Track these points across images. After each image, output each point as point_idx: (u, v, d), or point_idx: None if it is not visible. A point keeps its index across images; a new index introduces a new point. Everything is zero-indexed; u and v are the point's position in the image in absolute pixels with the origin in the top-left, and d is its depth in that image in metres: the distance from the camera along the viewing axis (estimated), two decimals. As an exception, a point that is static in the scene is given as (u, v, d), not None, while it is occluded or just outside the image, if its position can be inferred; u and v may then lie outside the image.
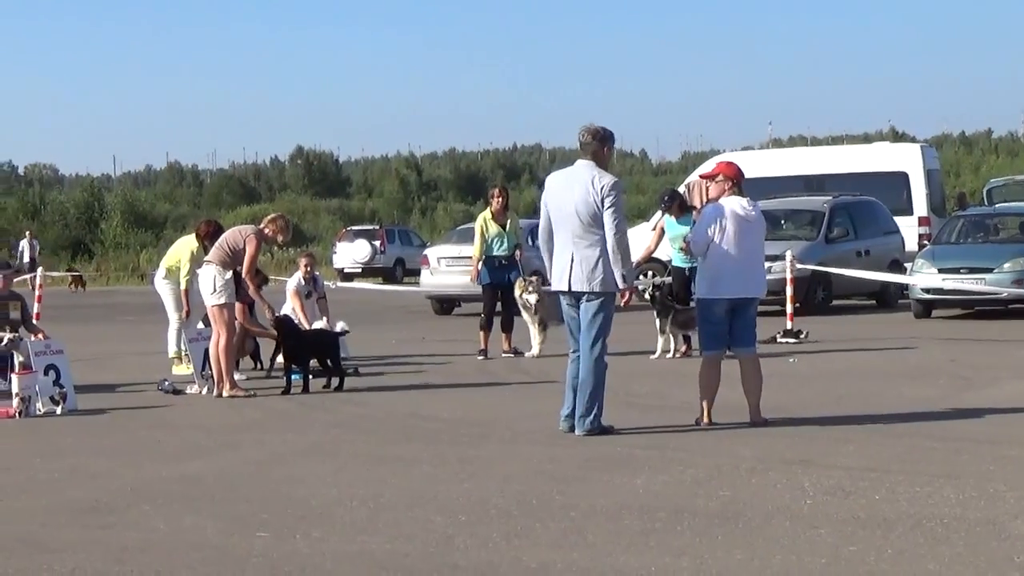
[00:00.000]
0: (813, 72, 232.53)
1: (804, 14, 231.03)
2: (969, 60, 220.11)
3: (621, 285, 11.92)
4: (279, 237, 16.18)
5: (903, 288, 27.60)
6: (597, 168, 12.03)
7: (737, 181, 12.56)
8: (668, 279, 20.95)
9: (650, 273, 26.82)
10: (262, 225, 16.09)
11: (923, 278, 25.08)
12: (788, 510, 8.55)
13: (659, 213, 22.33)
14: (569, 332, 12.27)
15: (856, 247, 28.88)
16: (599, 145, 12.10)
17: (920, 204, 33.65)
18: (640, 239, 27.99)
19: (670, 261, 20.58)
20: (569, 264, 11.97)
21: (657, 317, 19.01)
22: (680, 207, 20.04)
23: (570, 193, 11.98)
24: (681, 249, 19.70)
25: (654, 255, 21.55)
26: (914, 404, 13.46)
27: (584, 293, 11.96)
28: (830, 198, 30.18)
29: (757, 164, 36.99)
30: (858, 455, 10.60)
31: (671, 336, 18.97)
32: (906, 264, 28.53)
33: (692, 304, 19.60)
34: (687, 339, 19.02)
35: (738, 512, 8.52)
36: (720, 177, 12.61)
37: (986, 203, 34.10)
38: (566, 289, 12.04)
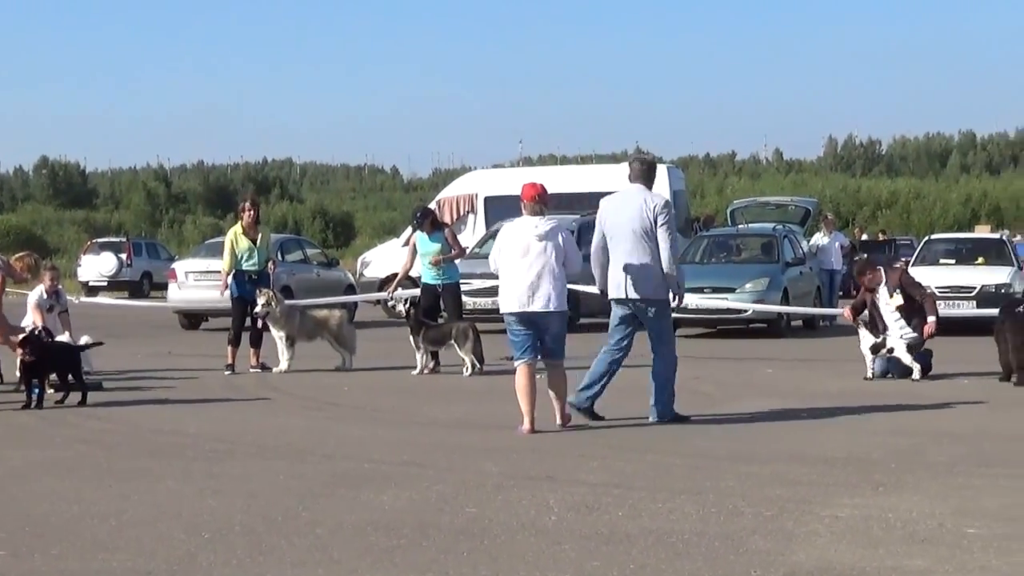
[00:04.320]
0: (563, 92, 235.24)
1: (551, 33, 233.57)
2: (714, 84, 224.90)
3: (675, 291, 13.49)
4: (26, 275, 15.85)
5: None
6: (648, 191, 13.62)
7: (536, 199, 13.42)
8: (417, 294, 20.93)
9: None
10: (12, 260, 15.73)
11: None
12: (533, 526, 8.62)
13: (409, 230, 22.36)
14: (612, 328, 13.72)
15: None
16: (649, 171, 13.86)
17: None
18: (391, 255, 27.96)
19: (419, 278, 20.58)
20: (625, 274, 13.35)
21: (411, 334, 19.02)
22: (432, 224, 20.12)
23: (625, 213, 13.35)
24: (432, 264, 19.79)
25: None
26: (658, 422, 13.69)
27: (645, 300, 13.39)
28: (579, 216, 30.50)
29: (508, 182, 37.19)
30: (602, 471, 10.73)
31: (427, 352, 18.99)
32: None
33: (441, 321, 19.84)
34: (435, 355, 19.06)
35: (484, 528, 8.56)
36: (523, 197, 13.48)
37: (729, 224, 34.83)
38: (624, 296, 13.40)
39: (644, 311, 13.54)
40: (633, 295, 13.41)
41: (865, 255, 31.45)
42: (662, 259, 13.33)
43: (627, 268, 13.37)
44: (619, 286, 13.45)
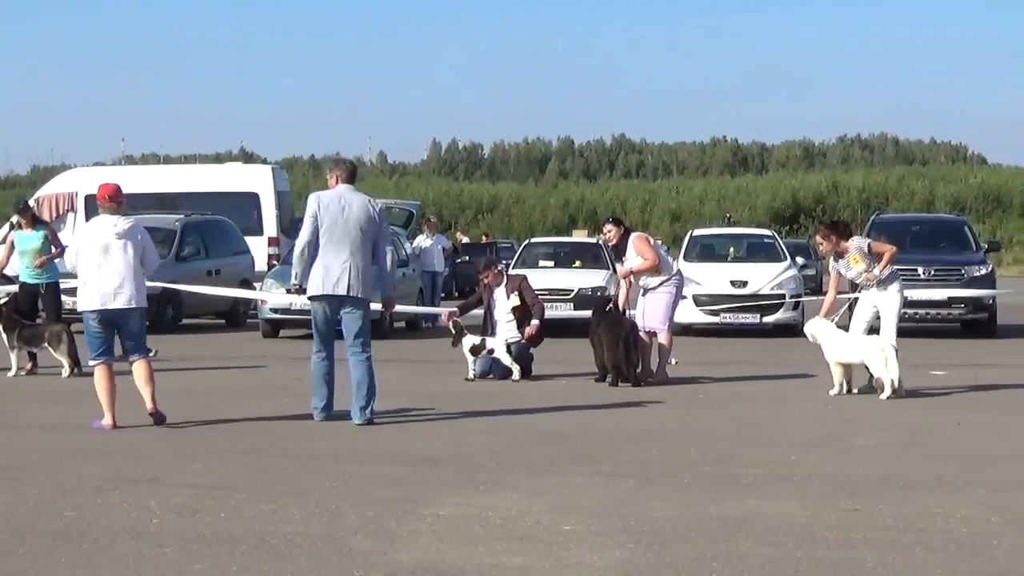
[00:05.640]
0: (167, 90, 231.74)
1: (154, 30, 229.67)
2: (321, 84, 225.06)
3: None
4: None
5: (251, 308, 27.99)
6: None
7: (111, 198, 13.54)
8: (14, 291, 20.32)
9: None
10: None
11: (271, 297, 25.49)
12: (134, 529, 8.51)
13: (7, 226, 21.74)
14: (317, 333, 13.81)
15: (207, 266, 29.00)
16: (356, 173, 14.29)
17: (271, 224, 34.30)
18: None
19: (17, 276, 20.02)
20: (344, 272, 13.59)
21: (4, 333, 18.46)
22: (34, 220, 19.64)
23: (352, 212, 13.67)
24: (37, 266, 19.28)
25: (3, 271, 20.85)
26: (263, 422, 13.66)
27: (357, 299, 13.72)
28: (182, 217, 30.16)
29: (111, 181, 36.50)
30: (206, 473, 10.66)
31: (22, 352, 18.46)
32: (255, 283, 28.83)
33: (39, 320, 19.32)
34: (32, 356, 18.58)
35: (83, 532, 8.40)
36: (97, 197, 13.63)
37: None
38: (334, 293, 13.62)
39: (353, 310, 13.78)
40: (353, 293, 13.66)
41: (488, 255, 32.07)
42: (384, 261, 14.06)
43: (350, 266, 13.59)
44: (333, 284, 13.61)
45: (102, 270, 13.26)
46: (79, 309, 13.43)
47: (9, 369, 18.28)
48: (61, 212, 35.04)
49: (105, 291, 13.25)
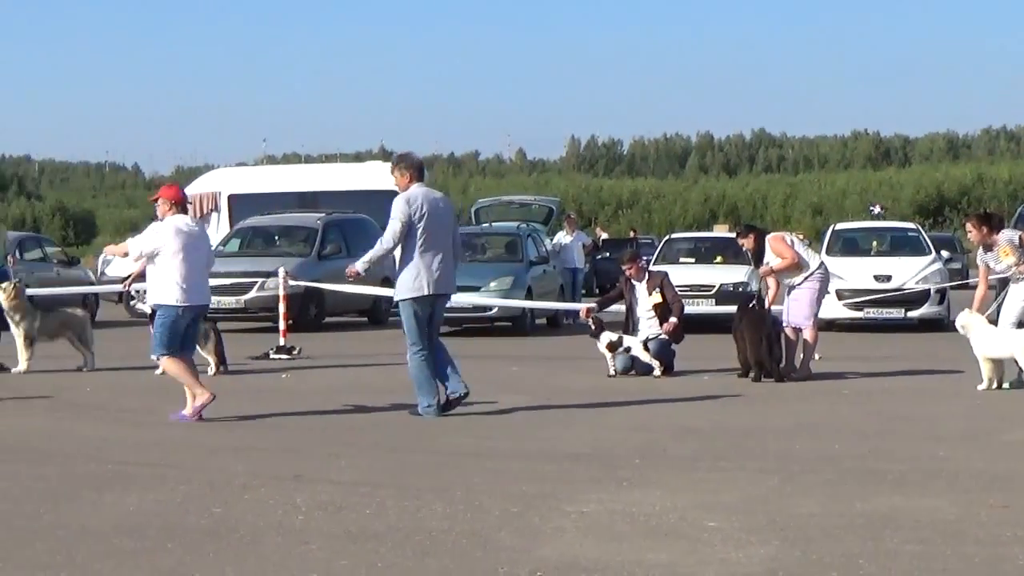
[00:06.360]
0: (307, 90, 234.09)
1: (292, 31, 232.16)
2: (458, 84, 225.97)
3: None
4: None
5: (393, 305, 28.13)
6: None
7: (177, 201, 13.96)
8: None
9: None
10: None
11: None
12: (280, 525, 8.58)
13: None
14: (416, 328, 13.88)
15: (348, 264, 29.15)
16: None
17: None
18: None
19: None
20: (441, 271, 13.90)
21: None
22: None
23: (447, 213, 14.20)
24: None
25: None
26: (406, 418, 13.74)
27: (447, 296, 14.37)
28: (323, 215, 30.42)
29: (252, 180, 37.00)
30: (350, 470, 10.73)
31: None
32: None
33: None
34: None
35: (230, 528, 8.49)
36: (161, 200, 13.94)
37: (474, 222, 35.00)
38: (435, 293, 13.94)
39: (441, 306, 14.22)
40: (453, 290, 14.31)
41: (631, 247, 31.99)
42: (457, 255, 14.34)
43: (447, 264, 13.96)
44: (435, 283, 13.84)
45: (194, 268, 13.66)
46: (173, 304, 13.60)
47: (157, 367, 18.54)
48: (205, 212, 35.47)
49: (198, 287, 13.72)
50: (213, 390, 13.67)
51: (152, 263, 13.72)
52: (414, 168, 14.13)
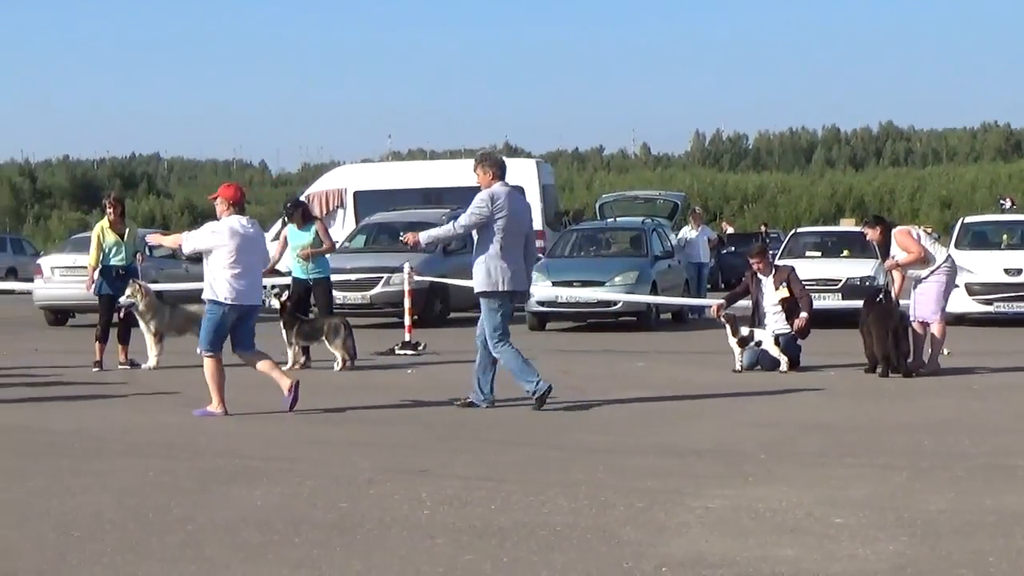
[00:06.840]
0: (432, 87, 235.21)
1: (417, 28, 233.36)
2: (582, 79, 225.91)
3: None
4: None
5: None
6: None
7: (235, 202, 14.18)
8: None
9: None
10: None
11: (538, 291, 25.61)
12: (406, 520, 8.62)
13: (280, 223, 22.24)
14: (504, 322, 14.24)
15: (471, 260, 29.17)
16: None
17: (536, 218, 34.39)
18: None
19: (289, 272, 20.49)
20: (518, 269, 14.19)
21: (284, 329, 18.91)
22: (304, 216, 20.04)
23: (527, 213, 14.60)
24: (302, 257, 19.70)
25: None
26: (530, 414, 13.75)
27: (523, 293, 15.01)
28: (449, 211, 30.50)
29: (377, 177, 37.24)
30: (475, 465, 10.76)
31: (298, 347, 18.90)
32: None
33: (312, 316, 19.75)
34: (306, 351, 18.99)
35: (356, 523, 8.54)
36: (220, 199, 14.21)
37: (598, 218, 34.94)
38: (518, 290, 14.33)
39: (514, 303, 14.52)
40: (521, 288, 14.38)
41: (760, 241, 31.80)
42: (531, 254, 14.56)
43: (523, 263, 14.22)
44: (511, 280, 14.06)
45: (246, 269, 13.97)
46: (220, 301, 13.95)
47: (285, 363, 18.70)
48: (331, 208, 35.76)
49: (248, 288, 14.00)
50: (335, 384, 13.72)
51: (207, 260, 14.12)
52: (497, 166, 14.29)
